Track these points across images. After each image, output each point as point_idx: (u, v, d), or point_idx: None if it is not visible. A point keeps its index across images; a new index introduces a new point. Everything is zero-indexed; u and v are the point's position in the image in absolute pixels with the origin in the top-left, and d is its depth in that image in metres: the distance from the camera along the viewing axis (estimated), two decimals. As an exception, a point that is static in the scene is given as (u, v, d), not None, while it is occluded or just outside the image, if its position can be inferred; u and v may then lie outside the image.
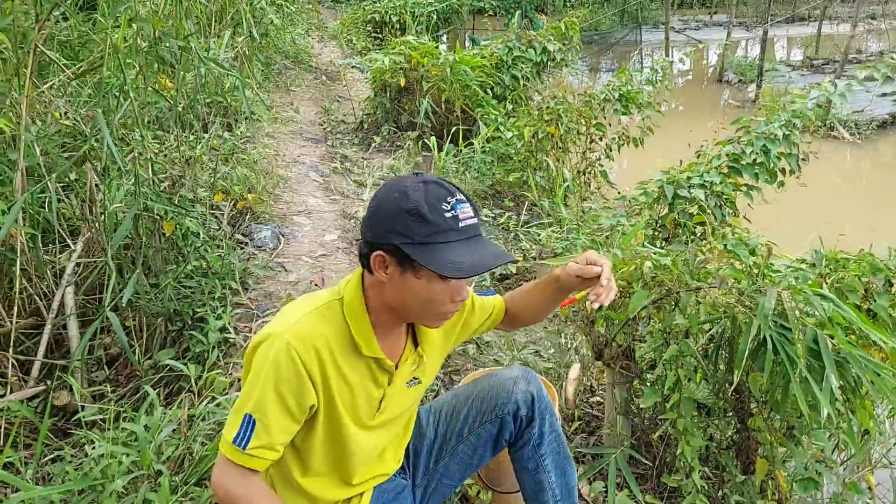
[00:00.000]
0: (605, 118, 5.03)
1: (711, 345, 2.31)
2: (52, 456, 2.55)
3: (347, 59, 9.04)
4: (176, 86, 3.61)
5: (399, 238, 1.42)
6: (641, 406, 2.28)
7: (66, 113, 3.24)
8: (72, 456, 2.48)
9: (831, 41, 16.24)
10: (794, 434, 2.31)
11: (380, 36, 10.84)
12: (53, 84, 3.28)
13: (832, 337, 1.99)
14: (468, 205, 1.49)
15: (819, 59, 14.21)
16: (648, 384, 2.37)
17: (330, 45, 10.60)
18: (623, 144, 4.98)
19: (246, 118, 5.18)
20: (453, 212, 1.44)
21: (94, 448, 2.28)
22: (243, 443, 1.44)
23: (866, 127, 9.64)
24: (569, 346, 3.35)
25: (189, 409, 2.62)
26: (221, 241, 3.48)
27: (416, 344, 1.73)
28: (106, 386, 2.95)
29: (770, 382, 2.14)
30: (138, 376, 3.15)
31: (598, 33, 18.33)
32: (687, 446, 2.26)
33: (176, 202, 3.23)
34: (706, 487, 2.32)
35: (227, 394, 2.59)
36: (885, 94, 10.68)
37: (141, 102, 3.34)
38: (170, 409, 2.55)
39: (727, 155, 4.22)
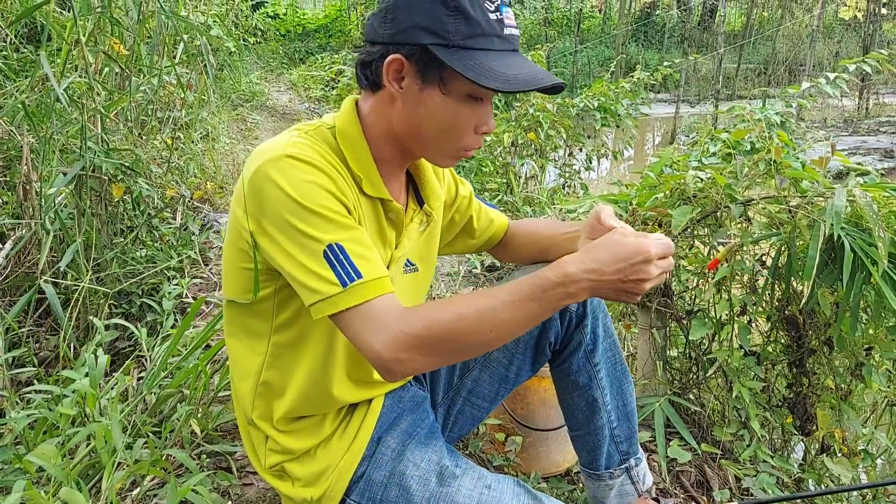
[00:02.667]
0: (583, 130, 4.85)
1: (764, 269, 2.01)
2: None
3: (305, 104, 8.85)
4: (130, 53, 3.26)
5: (429, 37, 1.08)
6: (691, 337, 1.93)
7: None
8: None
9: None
10: (861, 375, 1.99)
11: (336, 86, 10.73)
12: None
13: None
14: (511, 11, 1.17)
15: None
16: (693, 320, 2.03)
17: (287, 93, 10.41)
18: (603, 156, 4.80)
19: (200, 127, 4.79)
20: (498, 14, 1.12)
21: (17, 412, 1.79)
22: (353, 274, 1.03)
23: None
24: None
25: (140, 373, 2.16)
26: (177, 209, 3.05)
27: (420, 202, 1.37)
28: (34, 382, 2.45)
29: (840, 299, 1.84)
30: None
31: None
32: (743, 388, 1.92)
33: (128, 164, 2.81)
34: (767, 436, 1.96)
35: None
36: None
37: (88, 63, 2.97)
38: (116, 374, 2.09)
39: (723, 141, 4.02)
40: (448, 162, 1.26)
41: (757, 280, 2.03)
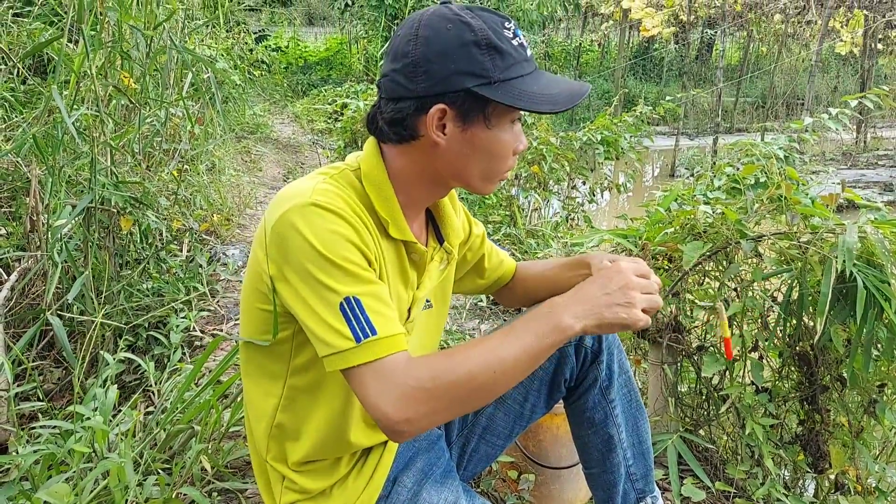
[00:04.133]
0: (586, 163, 4.88)
1: (775, 305, 2.00)
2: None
3: (309, 136, 8.90)
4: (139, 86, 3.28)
5: (472, 80, 1.08)
6: (704, 374, 1.92)
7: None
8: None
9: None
10: (873, 412, 1.97)
11: (340, 119, 10.78)
12: None
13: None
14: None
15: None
16: (704, 356, 2.02)
17: (291, 125, 10.48)
18: (606, 189, 4.83)
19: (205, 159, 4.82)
20: (518, 38, 1.13)
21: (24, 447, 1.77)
22: (368, 330, 1.01)
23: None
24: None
25: (147, 408, 2.15)
26: (184, 241, 3.06)
27: (440, 239, 1.36)
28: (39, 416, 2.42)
29: (851, 337, 1.83)
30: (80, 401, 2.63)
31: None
32: (756, 425, 1.90)
33: (137, 197, 2.82)
34: (781, 474, 1.94)
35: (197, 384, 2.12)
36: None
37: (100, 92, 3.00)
38: (123, 408, 2.07)
39: (728, 176, 4.04)
40: (491, 187, 1.24)
41: (768, 316, 2.02)
